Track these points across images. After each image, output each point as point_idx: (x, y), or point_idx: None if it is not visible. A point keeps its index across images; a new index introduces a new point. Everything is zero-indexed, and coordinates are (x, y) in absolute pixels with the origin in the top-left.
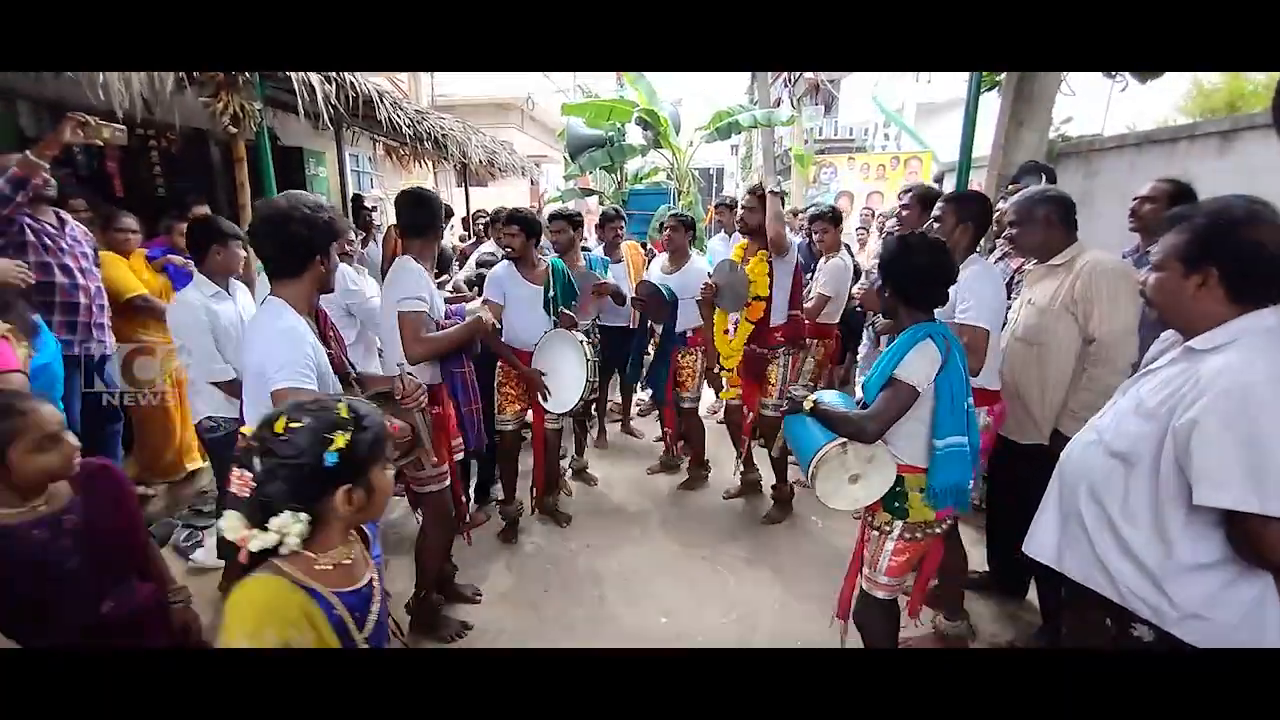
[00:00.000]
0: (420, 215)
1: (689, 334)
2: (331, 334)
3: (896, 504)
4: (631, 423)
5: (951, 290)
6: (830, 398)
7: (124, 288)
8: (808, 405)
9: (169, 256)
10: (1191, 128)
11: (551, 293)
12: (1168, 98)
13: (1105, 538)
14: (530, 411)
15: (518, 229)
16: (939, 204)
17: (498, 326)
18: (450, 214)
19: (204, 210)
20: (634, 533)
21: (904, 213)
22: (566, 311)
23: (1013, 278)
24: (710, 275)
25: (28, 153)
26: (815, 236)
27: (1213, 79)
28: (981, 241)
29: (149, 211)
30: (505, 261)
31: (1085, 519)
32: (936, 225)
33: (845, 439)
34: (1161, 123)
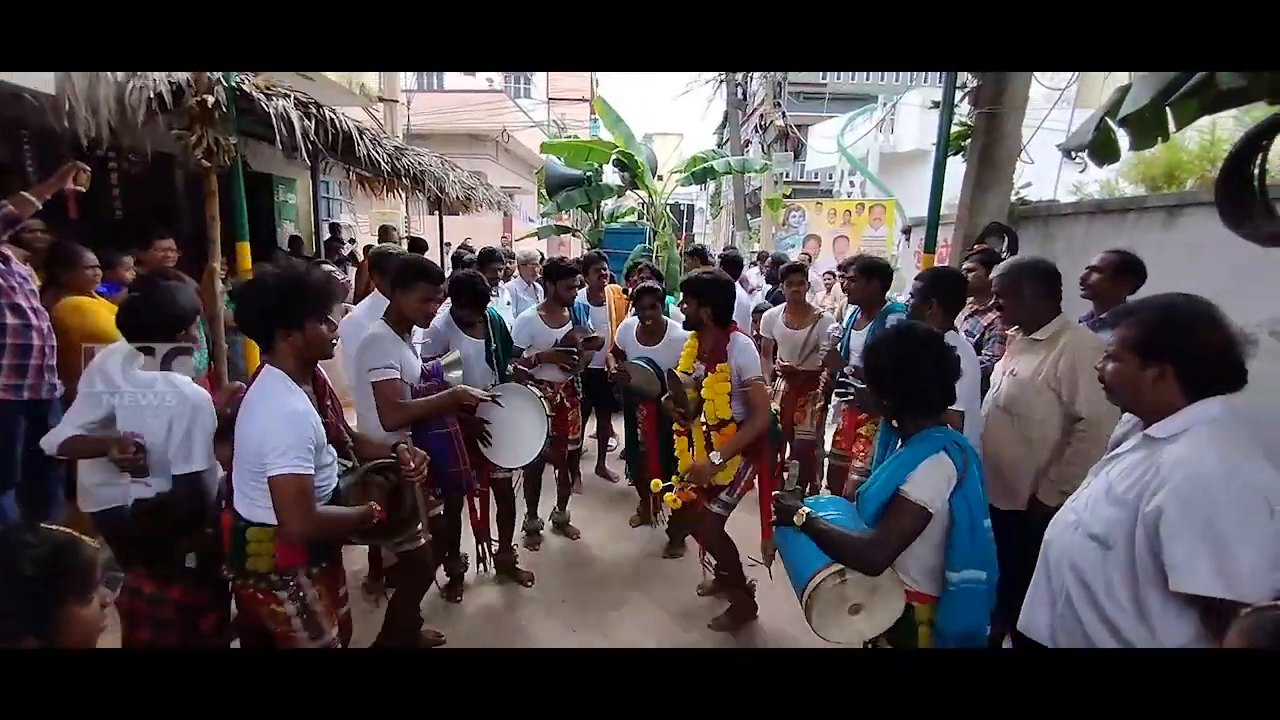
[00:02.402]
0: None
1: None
2: (330, 403)
3: (904, 637)
4: (607, 465)
5: None
6: (827, 508)
7: (115, 335)
8: (799, 520)
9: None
10: (1140, 200)
11: (494, 345)
12: (1112, 163)
13: (1092, 617)
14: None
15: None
16: (915, 282)
17: (474, 394)
18: (424, 247)
19: (167, 243)
20: (615, 587)
21: (851, 285)
22: (522, 368)
23: (982, 335)
24: (622, 364)
25: (24, 193)
26: (791, 288)
27: (1153, 149)
28: (959, 318)
29: (105, 236)
30: (445, 315)
31: (1073, 598)
32: (911, 301)
33: (843, 566)
34: (1105, 184)
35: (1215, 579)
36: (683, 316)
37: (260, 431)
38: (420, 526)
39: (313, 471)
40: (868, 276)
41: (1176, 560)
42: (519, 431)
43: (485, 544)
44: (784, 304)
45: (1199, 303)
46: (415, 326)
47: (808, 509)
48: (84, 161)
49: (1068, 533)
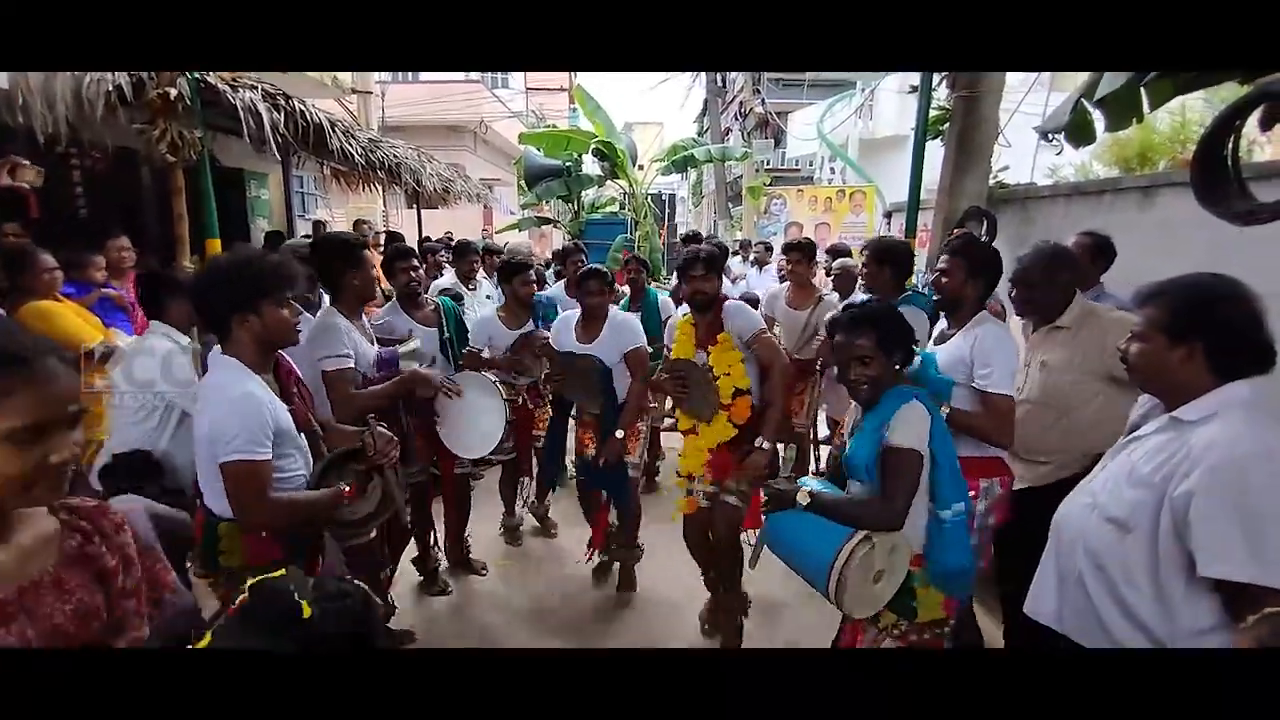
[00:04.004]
0: (322, 266)
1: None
2: (296, 390)
3: (905, 601)
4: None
5: (963, 350)
6: (820, 485)
7: (83, 338)
8: (803, 499)
9: (105, 290)
10: (1115, 182)
11: (447, 334)
12: (1087, 145)
13: (1107, 601)
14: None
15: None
16: (944, 258)
17: (430, 379)
18: (399, 239)
19: (122, 242)
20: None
21: (865, 270)
22: (473, 351)
23: None
24: (559, 361)
25: None
26: (790, 266)
27: (1126, 130)
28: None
29: (68, 237)
30: (393, 303)
31: (1086, 582)
32: (945, 280)
33: (866, 531)
34: (1080, 167)
35: (1249, 564)
36: (671, 306)
37: (210, 421)
38: (398, 509)
39: (268, 457)
40: (880, 264)
41: (1207, 543)
42: (477, 420)
43: (432, 537)
44: (787, 283)
45: (1228, 281)
46: (366, 306)
47: (808, 487)
48: (44, 158)
49: (1083, 515)
